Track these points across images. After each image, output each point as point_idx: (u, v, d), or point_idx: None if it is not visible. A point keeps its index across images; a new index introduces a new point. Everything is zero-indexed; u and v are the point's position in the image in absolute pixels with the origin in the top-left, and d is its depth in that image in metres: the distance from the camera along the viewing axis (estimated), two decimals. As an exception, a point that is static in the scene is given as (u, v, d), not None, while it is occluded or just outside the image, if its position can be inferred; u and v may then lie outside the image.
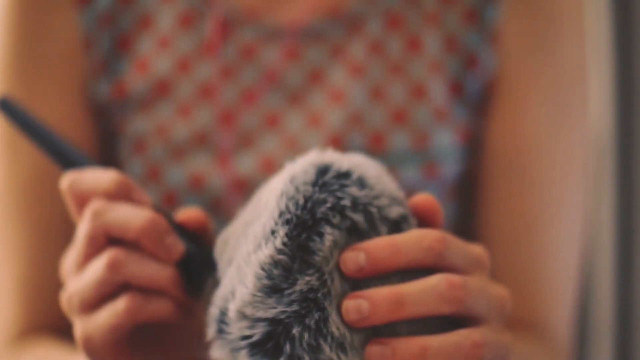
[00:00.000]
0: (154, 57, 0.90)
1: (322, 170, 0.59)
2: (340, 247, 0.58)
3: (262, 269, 0.57)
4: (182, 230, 0.65)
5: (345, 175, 0.60)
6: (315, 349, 0.56)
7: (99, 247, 0.63)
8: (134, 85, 0.89)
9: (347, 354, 0.56)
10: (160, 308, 0.63)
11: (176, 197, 0.88)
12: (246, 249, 0.59)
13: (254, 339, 0.57)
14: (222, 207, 0.87)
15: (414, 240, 0.58)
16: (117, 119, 0.90)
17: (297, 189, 0.58)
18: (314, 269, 0.57)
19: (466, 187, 0.93)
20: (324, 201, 0.58)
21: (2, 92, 0.89)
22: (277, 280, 0.57)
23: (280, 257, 0.57)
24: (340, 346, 0.56)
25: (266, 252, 0.57)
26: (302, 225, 0.57)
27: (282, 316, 0.56)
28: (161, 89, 0.89)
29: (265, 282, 0.57)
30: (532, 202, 0.90)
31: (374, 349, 0.56)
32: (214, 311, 0.60)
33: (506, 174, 0.90)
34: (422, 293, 0.57)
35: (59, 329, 0.87)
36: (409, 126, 0.89)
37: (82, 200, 0.64)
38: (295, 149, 0.87)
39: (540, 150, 0.90)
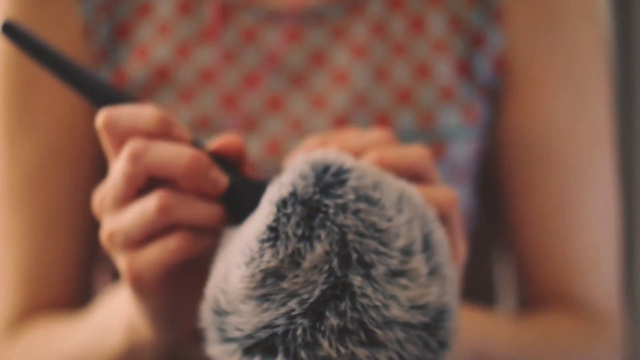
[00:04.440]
0: (154, 44, 0.88)
1: (322, 170, 0.58)
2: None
3: (253, 275, 0.55)
4: (219, 159, 0.63)
5: (344, 172, 0.57)
6: (312, 345, 0.55)
7: (139, 187, 0.61)
8: (134, 72, 0.87)
9: (347, 347, 0.55)
10: (209, 244, 0.61)
11: None
12: (240, 248, 0.57)
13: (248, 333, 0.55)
14: None
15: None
16: None
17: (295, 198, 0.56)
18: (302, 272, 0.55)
19: (480, 171, 0.90)
20: (326, 205, 0.56)
21: (4, 84, 0.88)
22: (269, 286, 0.55)
23: (274, 265, 0.55)
24: (340, 339, 0.55)
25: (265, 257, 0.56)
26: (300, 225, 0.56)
27: (277, 319, 0.55)
28: (161, 76, 0.87)
29: (258, 287, 0.55)
30: (562, 182, 0.88)
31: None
32: (207, 301, 0.58)
33: (531, 158, 0.89)
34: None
35: (58, 308, 0.86)
36: (414, 106, 0.87)
37: (120, 138, 0.61)
38: (301, 131, 0.86)
39: (562, 130, 0.88)
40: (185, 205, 0.60)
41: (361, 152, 0.63)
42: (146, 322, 0.66)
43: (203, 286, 0.60)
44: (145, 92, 0.87)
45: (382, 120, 0.86)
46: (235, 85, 0.87)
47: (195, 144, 0.63)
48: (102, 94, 0.63)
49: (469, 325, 0.77)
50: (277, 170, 0.84)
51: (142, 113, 0.61)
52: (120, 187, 0.61)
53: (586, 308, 0.88)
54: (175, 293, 0.63)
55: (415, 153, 0.63)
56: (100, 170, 0.89)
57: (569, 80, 0.89)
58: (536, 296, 0.89)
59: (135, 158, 0.60)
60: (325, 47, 0.88)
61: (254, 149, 0.86)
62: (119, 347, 0.73)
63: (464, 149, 0.88)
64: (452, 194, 0.63)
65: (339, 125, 0.86)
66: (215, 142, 0.63)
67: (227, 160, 0.63)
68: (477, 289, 0.95)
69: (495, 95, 0.89)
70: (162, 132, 0.61)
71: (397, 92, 0.87)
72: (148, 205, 0.60)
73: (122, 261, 0.62)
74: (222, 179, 0.61)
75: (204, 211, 0.61)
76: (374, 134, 0.64)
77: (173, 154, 0.60)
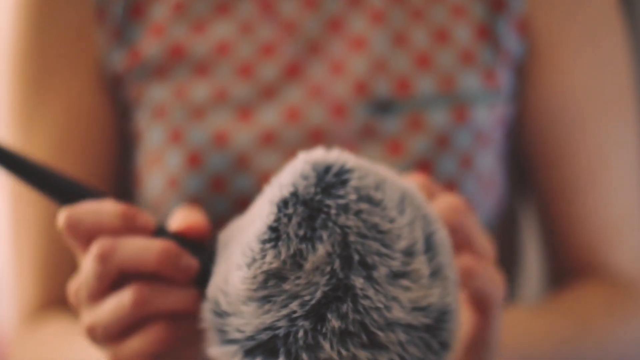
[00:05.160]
0: (169, 21, 0.87)
1: (323, 171, 0.57)
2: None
3: (255, 277, 0.55)
4: (184, 240, 0.62)
5: (346, 172, 0.57)
6: (313, 347, 0.54)
7: (112, 283, 0.61)
8: (149, 50, 0.87)
9: (349, 349, 0.54)
10: (190, 329, 0.61)
11: (200, 156, 0.85)
12: (241, 249, 0.57)
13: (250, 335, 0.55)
14: (248, 162, 0.84)
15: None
16: (133, 88, 0.88)
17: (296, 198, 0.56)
18: (304, 273, 0.54)
19: (505, 139, 0.89)
20: (327, 206, 0.55)
21: (17, 72, 0.88)
22: (270, 288, 0.55)
23: (276, 266, 0.55)
24: (341, 342, 0.54)
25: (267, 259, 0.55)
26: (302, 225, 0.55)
27: (278, 321, 0.54)
28: (177, 52, 0.87)
29: (260, 289, 0.55)
30: (589, 147, 0.88)
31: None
32: (208, 302, 0.58)
33: (557, 124, 0.88)
34: None
35: None
36: (434, 70, 0.86)
37: (85, 238, 0.61)
38: (321, 97, 0.85)
39: (587, 94, 0.88)
40: (160, 296, 0.60)
41: None
42: None
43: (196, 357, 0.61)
44: (160, 71, 0.87)
45: (402, 85, 0.85)
46: (252, 55, 0.87)
47: (160, 230, 0.62)
48: (65, 191, 0.62)
49: (510, 329, 0.77)
50: (297, 136, 0.84)
51: (103, 210, 0.61)
52: (92, 285, 0.61)
53: (619, 277, 0.87)
54: None
55: (449, 206, 0.62)
56: (113, 156, 0.89)
57: (592, 44, 0.88)
58: (567, 265, 0.89)
59: (104, 258, 0.59)
60: (342, 14, 0.87)
61: (274, 118, 0.85)
62: None
63: (487, 114, 0.87)
64: (454, 198, 0.62)
65: (360, 91, 0.85)
66: (178, 222, 0.62)
67: (193, 241, 0.62)
68: (502, 260, 0.94)
69: (519, 63, 0.89)
70: (126, 227, 0.60)
71: (416, 57, 0.86)
72: (123, 300, 0.60)
73: (106, 352, 0.62)
74: (192, 265, 0.61)
75: (180, 298, 0.61)
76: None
77: (141, 250, 0.60)
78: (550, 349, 0.81)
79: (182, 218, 0.62)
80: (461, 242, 0.61)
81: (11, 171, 0.62)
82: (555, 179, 0.89)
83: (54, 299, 0.87)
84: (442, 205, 0.61)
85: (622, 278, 0.88)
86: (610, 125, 0.89)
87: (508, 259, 0.96)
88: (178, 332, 0.61)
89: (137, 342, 0.61)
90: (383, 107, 0.85)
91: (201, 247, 0.62)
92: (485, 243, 0.63)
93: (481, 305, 0.62)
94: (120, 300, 0.60)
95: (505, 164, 0.91)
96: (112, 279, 0.60)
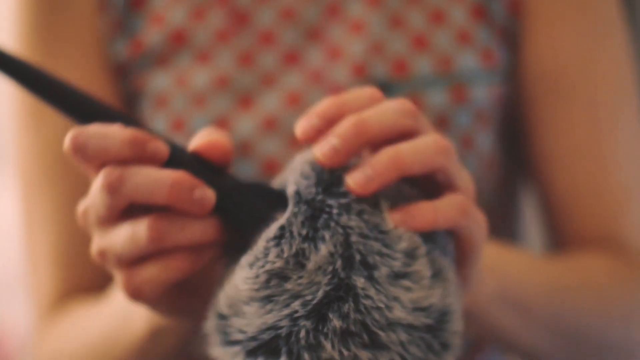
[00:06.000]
0: (169, 10, 0.88)
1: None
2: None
3: (257, 276, 0.55)
4: (202, 164, 0.58)
5: (344, 169, 0.57)
6: (315, 347, 0.54)
7: (122, 211, 0.57)
8: (150, 39, 0.87)
9: (350, 349, 0.54)
10: (209, 256, 0.58)
11: None
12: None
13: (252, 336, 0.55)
14: (251, 149, 0.85)
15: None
16: (136, 78, 0.88)
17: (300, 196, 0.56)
18: (306, 273, 0.55)
19: (503, 117, 0.89)
20: (329, 206, 0.55)
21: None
22: (273, 287, 0.55)
23: (279, 266, 0.55)
24: (343, 342, 0.54)
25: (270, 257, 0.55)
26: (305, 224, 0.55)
27: (280, 321, 0.55)
28: (178, 39, 0.87)
29: (262, 288, 0.55)
30: (586, 117, 0.87)
31: (354, 175, 0.55)
32: (212, 306, 0.58)
33: (555, 97, 0.87)
34: (381, 112, 0.57)
35: (94, 289, 0.86)
36: (431, 51, 0.86)
37: (92, 163, 0.57)
38: (321, 82, 0.85)
39: (581, 64, 0.87)
40: (177, 229, 0.57)
41: (341, 116, 0.58)
42: (161, 315, 0.65)
43: (204, 288, 0.60)
44: (162, 60, 0.87)
45: (399, 67, 0.85)
46: (252, 43, 0.87)
47: (175, 155, 0.58)
48: (80, 107, 0.58)
49: (496, 265, 0.75)
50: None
51: (111, 135, 0.56)
52: (101, 213, 0.57)
53: (622, 248, 0.86)
54: (184, 296, 0.61)
55: (434, 145, 0.58)
56: None
57: (585, 15, 0.88)
58: (569, 240, 0.88)
59: (112, 190, 0.56)
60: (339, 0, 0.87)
61: (275, 104, 0.85)
62: (141, 332, 0.72)
63: (486, 94, 0.86)
64: (440, 139, 0.58)
65: (358, 74, 0.85)
66: (199, 141, 0.59)
67: (211, 163, 0.59)
68: (503, 241, 0.93)
69: (512, 37, 0.88)
70: (135, 155, 0.57)
71: (413, 38, 0.86)
72: (138, 233, 0.57)
73: (118, 276, 0.59)
74: (208, 196, 0.57)
75: (199, 231, 0.57)
76: (357, 93, 0.60)
77: (152, 182, 0.56)
78: (539, 291, 0.78)
79: (204, 136, 0.59)
80: (445, 182, 0.59)
81: (26, 85, 0.58)
82: (554, 150, 0.88)
83: (72, 289, 0.86)
84: (425, 145, 0.57)
85: (626, 250, 0.86)
86: (609, 93, 0.87)
87: (509, 240, 0.95)
88: (197, 261, 0.58)
89: (152, 270, 0.58)
90: (381, 88, 0.85)
91: (221, 171, 0.58)
92: (467, 180, 0.60)
93: (467, 245, 0.60)
94: (135, 233, 0.57)
95: (505, 143, 0.90)
96: (122, 209, 0.57)
